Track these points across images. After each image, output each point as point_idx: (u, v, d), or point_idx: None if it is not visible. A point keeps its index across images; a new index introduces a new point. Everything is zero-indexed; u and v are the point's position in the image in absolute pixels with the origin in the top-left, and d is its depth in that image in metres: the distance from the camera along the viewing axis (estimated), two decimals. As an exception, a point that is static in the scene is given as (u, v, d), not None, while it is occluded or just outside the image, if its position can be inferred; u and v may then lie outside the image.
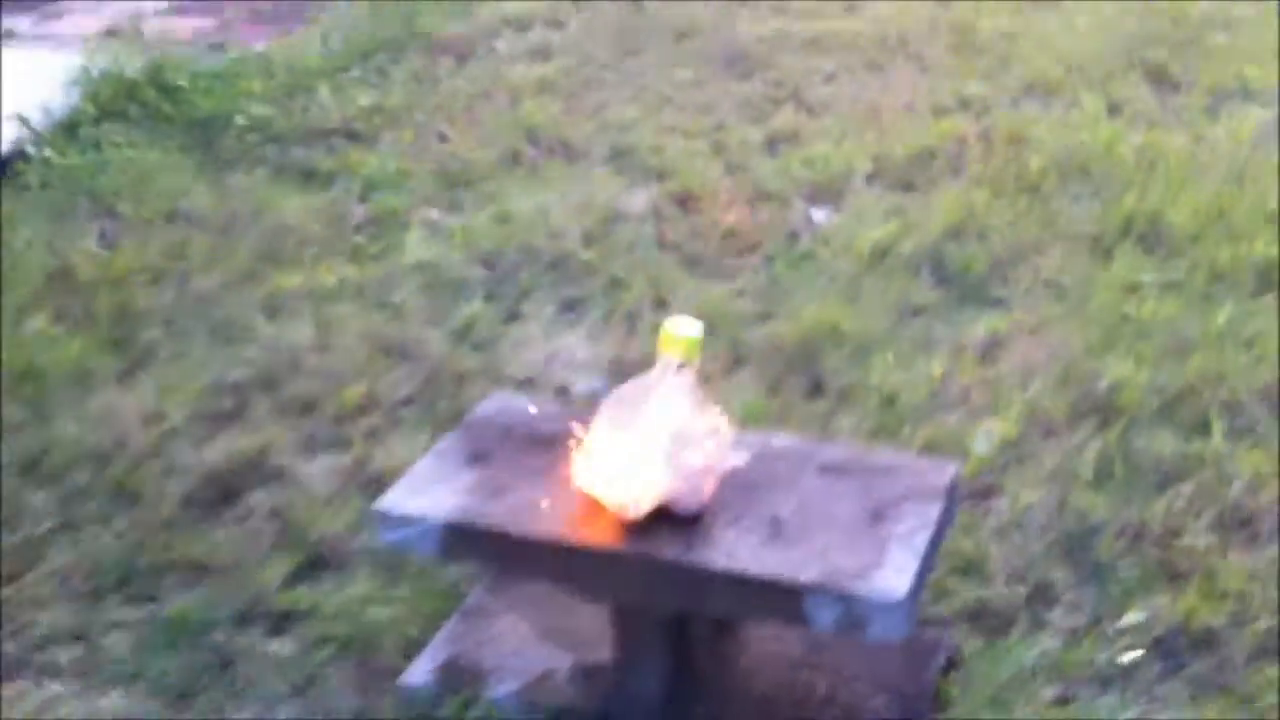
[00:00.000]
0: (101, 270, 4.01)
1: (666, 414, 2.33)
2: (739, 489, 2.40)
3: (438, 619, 2.72)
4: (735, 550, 2.27)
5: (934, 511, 2.34)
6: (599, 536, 2.31)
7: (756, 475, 2.44)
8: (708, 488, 2.36)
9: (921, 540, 2.28)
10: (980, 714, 2.41)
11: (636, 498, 2.32)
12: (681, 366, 2.33)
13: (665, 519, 2.32)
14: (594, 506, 2.34)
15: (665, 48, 5.60)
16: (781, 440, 2.56)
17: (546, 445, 2.51)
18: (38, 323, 3.76)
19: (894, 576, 2.20)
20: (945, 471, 2.44)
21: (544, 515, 2.37)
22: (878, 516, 2.34)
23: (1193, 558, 2.74)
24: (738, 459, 2.46)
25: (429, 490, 2.46)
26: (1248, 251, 3.70)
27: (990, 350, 3.45)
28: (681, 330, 2.34)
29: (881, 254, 3.90)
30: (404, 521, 2.41)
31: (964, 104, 4.85)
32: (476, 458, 2.54)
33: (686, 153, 4.65)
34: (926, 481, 2.41)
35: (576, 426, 2.42)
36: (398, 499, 2.45)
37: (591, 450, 2.37)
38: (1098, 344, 3.40)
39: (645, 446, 2.31)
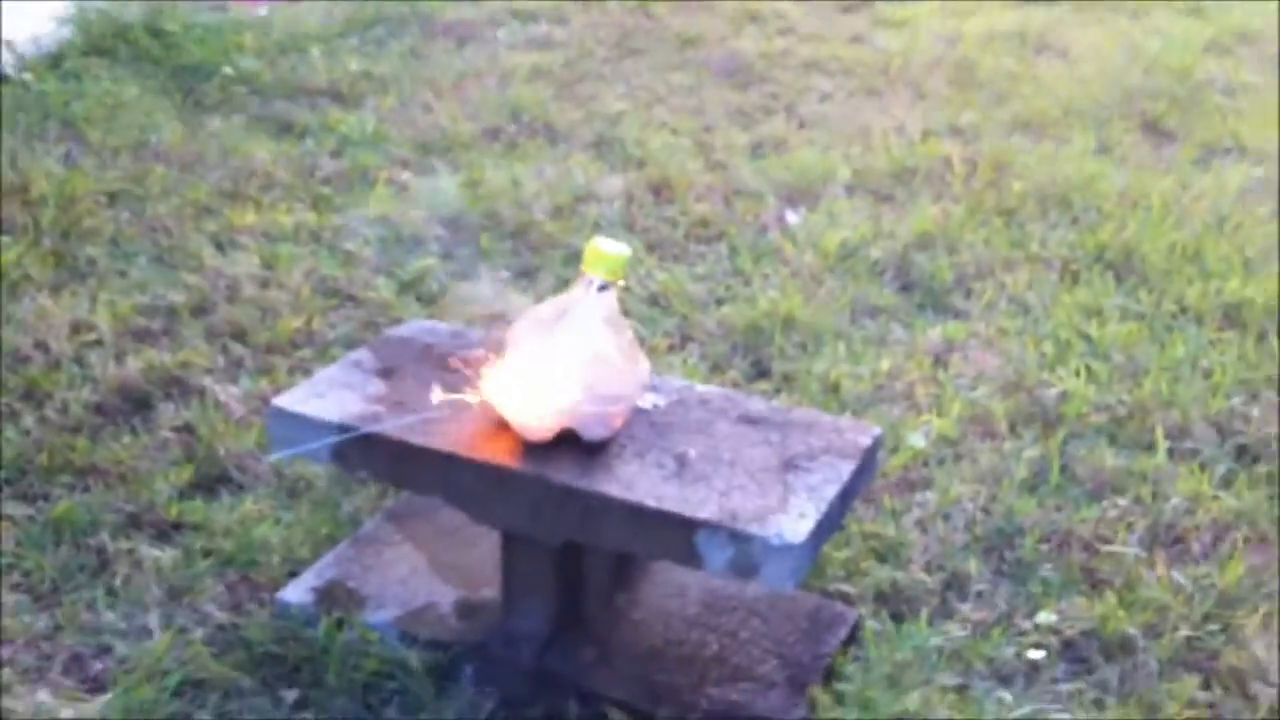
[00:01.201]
0: (57, 188, 3.93)
1: (582, 335, 2.23)
2: (651, 426, 2.31)
3: (329, 544, 2.62)
4: (634, 482, 2.17)
5: (847, 468, 2.24)
6: (496, 454, 2.22)
7: (672, 417, 2.35)
8: (617, 418, 2.26)
9: (829, 492, 2.18)
10: (872, 691, 2.30)
11: (541, 418, 2.22)
12: (604, 287, 2.23)
13: (569, 445, 2.22)
14: (499, 425, 2.24)
15: (667, 53, 5.56)
16: (704, 389, 2.46)
17: (460, 365, 2.42)
18: (-18, 229, 3.68)
19: (793, 522, 2.10)
20: (867, 432, 2.34)
21: (444, 429, 2.27)
22: (789, 466, 2.24)
23: (1117, 567, 2.64)
24: (655, 398, 2.38)
25: (331, 395, 2.36)
26: (1218, 290, 3.62)
27: (943, 355, 3.36)
28: (608, 247, 2.25)
29: (848, 254, 3.82)
30: (299, 421, 2.31)
31: (955, 131, 4.78)
32: (386, 371, 2.44)
33: (669, 148, 4.58)
34: (846, 439, 2.31)
35: (490, 345, 2.33)
36: (296, 399, 2.36)
37: (502, 368, 2.27)
38: (1051, 358, 3.31)
39: (556, 367, 2.21)
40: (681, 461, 2.23)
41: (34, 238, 3.68)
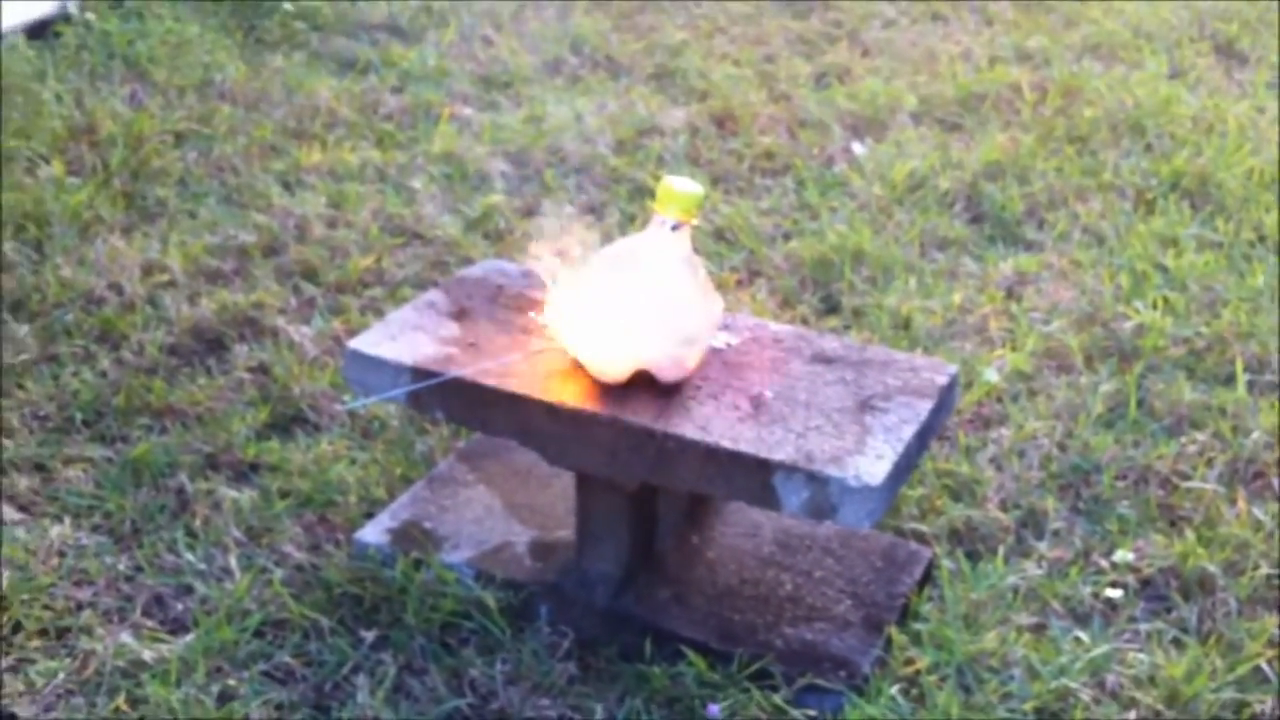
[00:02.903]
0: (124, 129, 3.94)
1: (656, 276, 2.22)
2: (725, 367, 2.30)
3: (404, 485, 2.64)
4: (709, 423, 2.16)
5: (925, 407, 2.22)
6: (571, 397, 2.21)
7: (746, 356, 2.34)
8: (692, 359, 2.25)
9: (906, 433, 2.16)
10: (948, 631, 2.29)
11: (616, 360, 2.22)
12: (677, 227, 2.21)
13: (644, 386, 2.22)
14: (572, 367, 2.24)
15: (726, -20, 5.48)
16: (777, 327, 2.45)
17: (533, 307, 2.41)
18: (52, 170, 3.69)
19: (870, 463, 2.09)
20: (944, 370, 2.32)
21: (518, 372, 2.27)
22: (865, 406, 2.22)
23: (1196, 504, 2.61)
24: (728, 337, 2.37)
25: (404, 337, 2.37)
26: (1297, 218, 3.55)
27: (1015, 287, 3.32)
28: (681, 186, 2.22)
29: (916, 185, 3.78)
30: (374, 364, 2.32)
31: (1023, 56, 4.70)
32: (460, 313, 2.44)
33: (732, 78, 4.53)
34: (922, 378, 2.29)
35: (563, 286, 2.32)
36: (371, 341, 2.36)
37: (576, 310, 2.26)
38: (1127, 290, 3.26)
39: (631, 309, 2.20)
40: (757, 402, 2.22)
41: (103, 179, 3.70)
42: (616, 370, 2.22)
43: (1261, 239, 3.49)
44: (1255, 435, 2.76)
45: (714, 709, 2.16)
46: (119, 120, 4.00)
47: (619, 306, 2.20)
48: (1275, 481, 2.67)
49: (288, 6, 4.92)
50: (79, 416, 2.83)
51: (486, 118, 4.21)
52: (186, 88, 4.27)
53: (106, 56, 4.46)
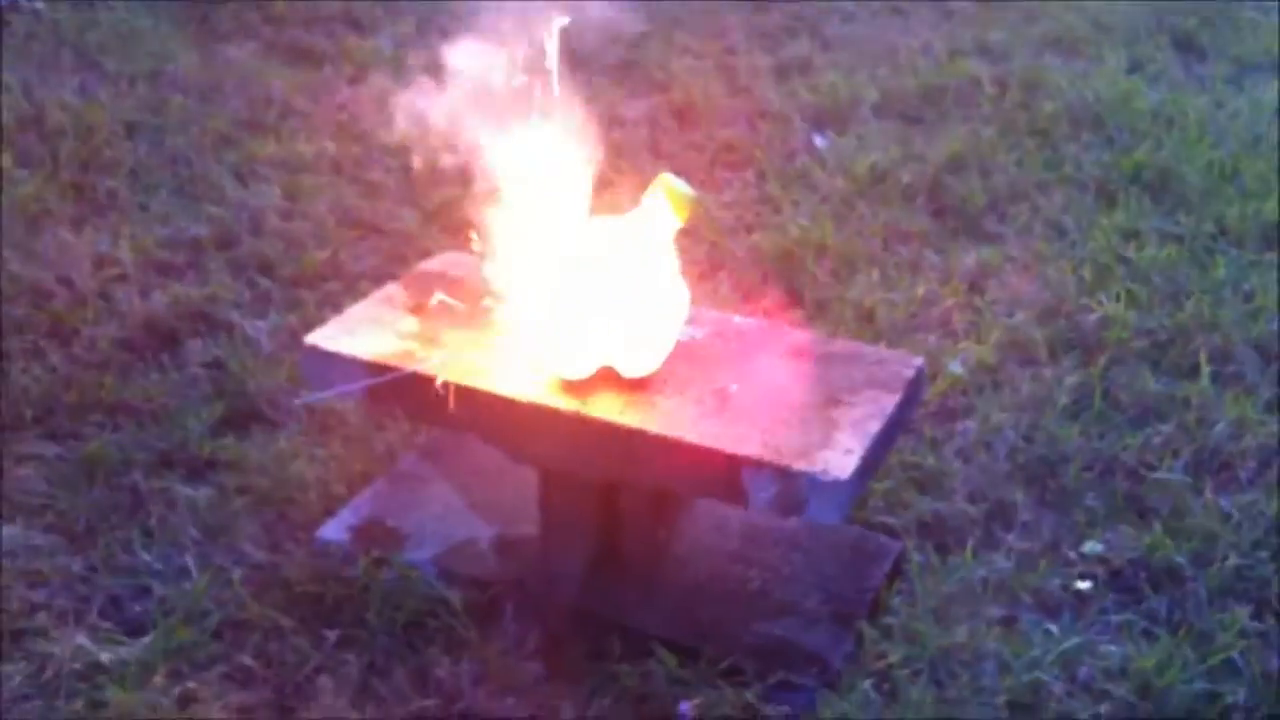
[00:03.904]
0: (73, 119, 3.87)
1: (625, 271, 2.18)
2: (691, 361, 2.26)
3: (364, 481, 2.59)
4: (675, 418, 2.13)
5: (891, 401, 2.20)
6: (533, 392, 2.17)
7: (712, 350, 2.31)
8: (658, 354, 2.22)
9: (873, 427, 2.14)
10: (919, 625, 2.27)
11: (580, 355, 2.18)
12: (662, 221, 2.18)
13: (608, 381, 2.18)
14: (536, 362, 2.20)
15: (685, -27, 5.44)
16: (742, 320, 2.42)
17: (493, 301, 2.37)
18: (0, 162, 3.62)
19: (838, 457, 2.06)
20: (910, 364, 2.30)
21: (480, 367, 2.23)
22: (832, 400, 2.20)
23: (1164, 494, 2.60)
24: (693, 331, 2.34)
25: (362, 332, 2.32)
26: (1257, 210, 3.55)
27: (979, 280, 3.30)
28: (678, 184, 2.19)
29: (879, 179, 3.76)
30: (332, 360, 2.27)
31: (983, 50, 4.69)
32: (418, 308, 2.40)
33: (692, 71, 4.50)
34: (889, 371, 2.27)
35: (528, 280, 2.28)
36: (328, 336, 2.31)
37: (541, 304, 2.22)
38: (1090, 282, 3.25)
39: (596, 303, 2.17)
40: (723, 397, 2.19)
41: (52, 170, 3.63)
42: (580, 366, 2.19)
43: (1223, 231, 3.50)
44: (1220, 426, 2.76)
45: (685, 707, 2.13)
46: (68, 110, 3.94)
47: (584, 300, 2.17)
48: (1241, 472, 2.66)
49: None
50: (29, 413, 2.77)
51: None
52: (138, 78, 4.20)
53: (55, 46, 4.38)
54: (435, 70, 4.56)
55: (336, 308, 3.06)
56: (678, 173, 3.85)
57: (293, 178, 3.69)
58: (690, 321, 2.35)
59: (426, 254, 3.25)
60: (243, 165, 3.76)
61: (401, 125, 4.03)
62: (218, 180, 3.65)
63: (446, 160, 3.88)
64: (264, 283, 3.22)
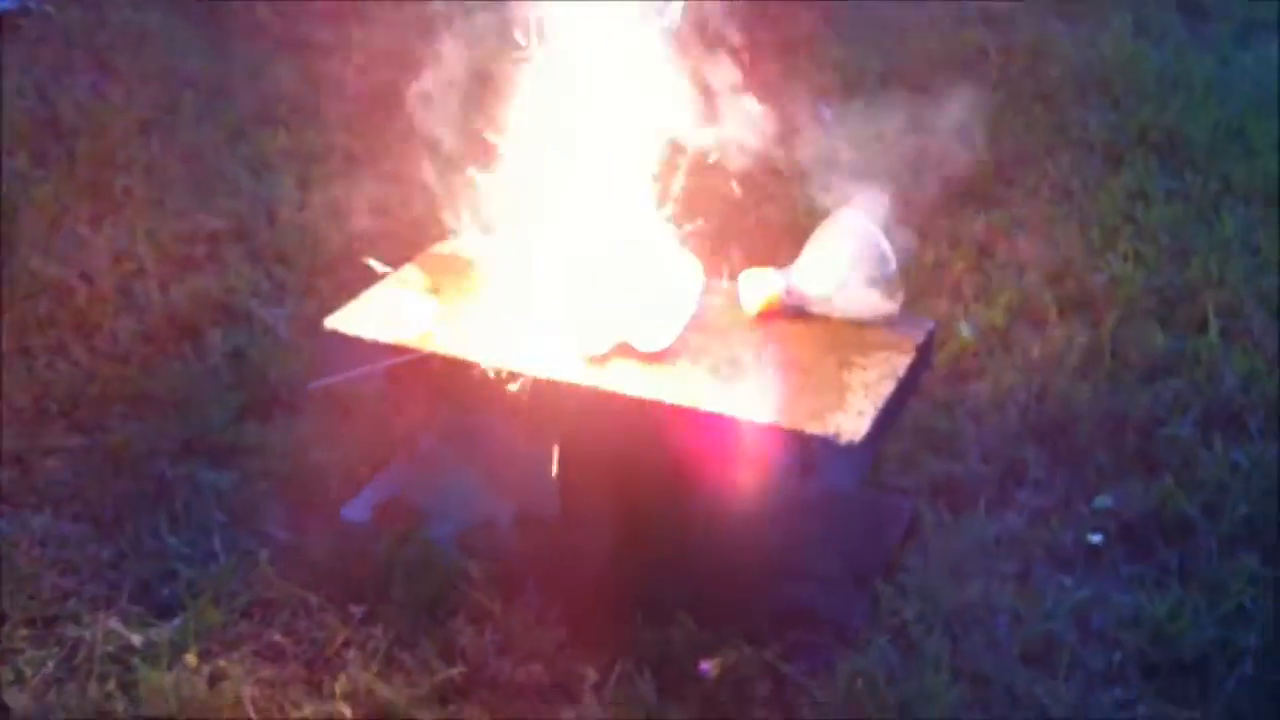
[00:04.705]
0: (88, 119, 3.92)
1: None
2: (704, 331, 2.30)
3: (386, 462, 2.64)
4: (690, 388, 2.16)
5: (903, 363, 2.23)
6: (550, 368, 2.21)
7: (723, 319, 2.34)
8: (673, 328, 2.25)
9: (886, 388, 2.17)
10: (935, 582, 2.30)
11: (596, 332, 2.22)
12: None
13: (624, 354, 2.22)
14: (554, 340, 2.23)
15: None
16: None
17: (511, 279, 2.41)
18: (17, 163, 3.67)
19: (852, 420, 2.09)
20: (921, 326, 2.33)
21: (498, 346, 2.27)
22: (844, 363, 2.23)
23: (1174, 448, 2.63)
24: (707, 299, 2.37)
25: (380, 315, 2.36)
26: (1263, 167, 3.57)
27: (987, 244, 3.33)
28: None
29: (887, 148, 3.77)
30: (350, 342, 2.31)
31: (989, 20, 4.71)
32: (435, 289, 2.44)
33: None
34: (899, 334, 2.30)
35: (542, 259, 2.32)
36: (346, 319, 2.36)
37: (556, 282, 2.26)
38: (1098, 243, 3.28)
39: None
40: (736, 364, 2.22)
41: (68, 169, 3.68)
42: (597, 342, 2.22)
43: (1229, 189, 3.52)
44: (1228, 380, 2.78)
45: (705, 667, 2.16)
46: (82, 111, 3.98)
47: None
48: (1250, 424, 2.69)
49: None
50: (54, 407, 2.81)
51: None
52: (149, 76, 4.25)
53: (67, 48, 4.43)
54: (439, 57, 4.59)
55: (353, 293, 3.12)
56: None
57: (306, 169, 3.73)
58: (704, 293, 2.39)
59: (441, 237, 3.31)
60: (255, 159, 3.80)
61: (411, 111, 4.09)
62: (232, 174, 3.70)
63: (455, 144, 3.93)
64: (280, 272, 3.26)
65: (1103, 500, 2.51)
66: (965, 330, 2.94)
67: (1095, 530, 2.45)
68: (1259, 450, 2.60)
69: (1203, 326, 2.96)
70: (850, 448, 2.06)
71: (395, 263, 3.22)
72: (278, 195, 3.58)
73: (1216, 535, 2.42)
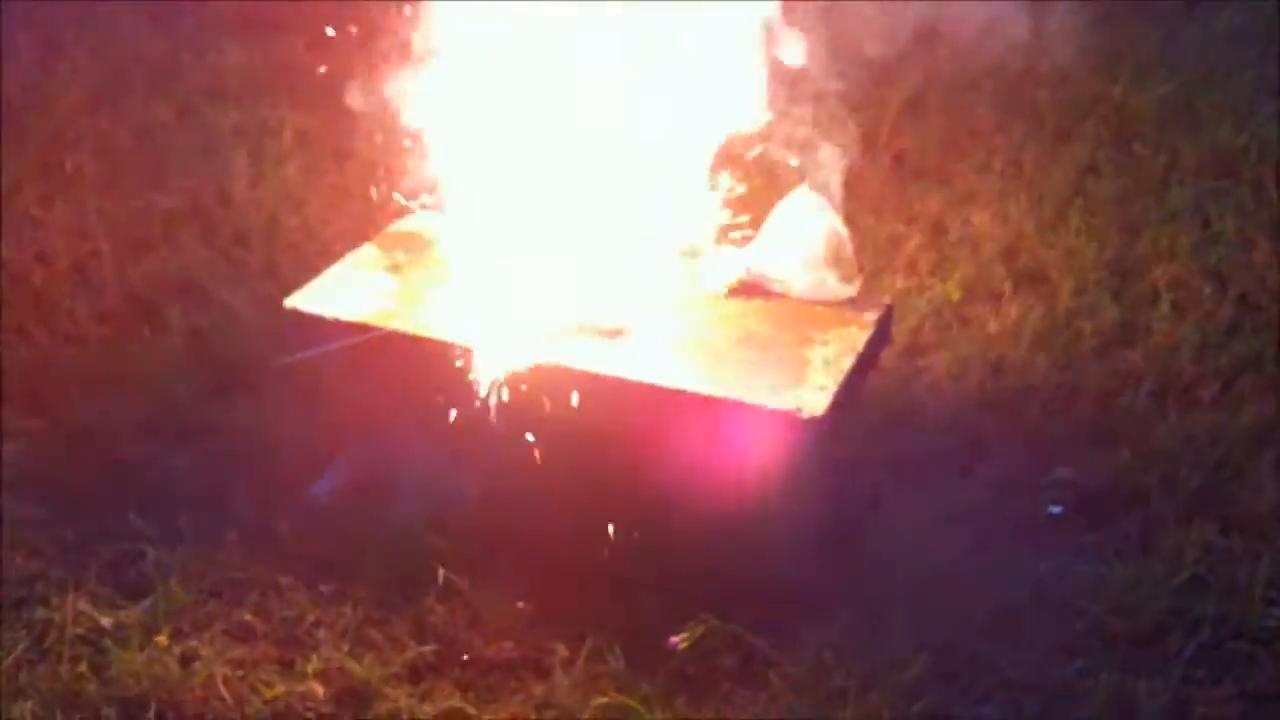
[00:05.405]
0: (35, 98, 3.87)
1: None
2: (666, 308, 2.32)
3: (350, 440, 2.63)
4: (652, 365, 2.19)
5: (862, 339, 2.27)
6: (513, 347, 2.22)
7: (683, 296, 2.36)
8: (633, 305, 2.27)
9: (845, 363, 2.21)
10: (895, 552, 2.34)
11: (557, 309, 2.23)
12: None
13: (587, 332, 2.24)
14: (515, 319, 2.25)
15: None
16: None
17: (470, 258, 2.42)
18: (-38, 142, 3.62)
19: (814, 395, 2.13)
20: (878, 303, 2.37)
21: (459, 325, 2.28)
22: (805, 340, 2.26)
23: (1129, 420, 2.68)
24: (667, 279, 2.39)
25: (340, 293, 2.37)
26: (1210, 140, 3.62)
27: (939, 222, 3.36)
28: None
29: (839, 124, 3.80)
30: (311, 321, 2.32)
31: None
32: (394, 267, 2.45)
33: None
34: (858, 310, 2.34)
35: (502, 239, 2.33)
36: (307, 298, 2.36)
37: (519, 261, 2.28)
38: (1049, 218, 3.32)
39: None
40: (700, 342, 2.25)
41: (16, 147, 3.63)
42: (559, 318, 2.24)
43: (1177, 162, 3.57)
44: (1181, 352, 2.83)
45: (673, 641, 2.19)
46: (29, 89, 3.93)
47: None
48: (1204, 395, 2.74)
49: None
50: (14, 390, 2.79)
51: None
52: (96, 54, 4.19)
53: (8, 29, 4.36)
54: (398, 40, 4.55)
55: (313, 271, 3.12)
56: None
57: (259, 145, 3.71)
58: (663, 272, 2.41)
59: (398, 215, 3.31)
60: (207, 136, 3.77)
61: (364, 89, 4.06)
62: (183, 152, 3.66)
63: (412, 122, 3.91)
64: (238, 252, 3.25)
65: (1061, 471, 2.55)
66: (923, 305, 2.97)
67: (1055, 502, 2.50)
68: (1212, 419, 2.65)
69: (1155, 299, 3.01)
70: (812, 422, 2.10)
71: (354, 241, 3.23)
72: (231, 173, 3.55)
73: (1173, 505, 2.47)
